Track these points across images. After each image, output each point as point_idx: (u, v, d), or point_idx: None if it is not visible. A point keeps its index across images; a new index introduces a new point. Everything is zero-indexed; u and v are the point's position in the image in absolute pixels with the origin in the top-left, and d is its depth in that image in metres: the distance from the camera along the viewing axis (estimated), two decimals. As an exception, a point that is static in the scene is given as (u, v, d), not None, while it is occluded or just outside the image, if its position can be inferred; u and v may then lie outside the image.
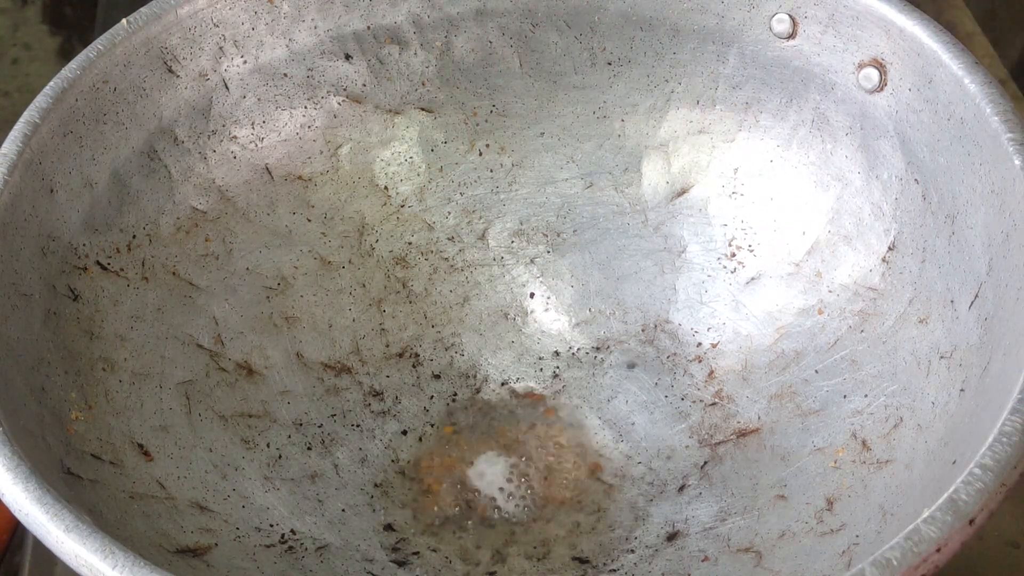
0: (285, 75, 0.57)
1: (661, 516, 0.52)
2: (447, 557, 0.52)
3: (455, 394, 0.58)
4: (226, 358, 0.54)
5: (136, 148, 0.53)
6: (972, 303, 0.46)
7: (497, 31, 0.58)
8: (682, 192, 0.58)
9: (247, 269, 0.56)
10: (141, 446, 0.49)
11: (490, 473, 0.55)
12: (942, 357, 0.47)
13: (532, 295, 0.60)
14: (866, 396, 0.50)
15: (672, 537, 0.51)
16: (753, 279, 0.56)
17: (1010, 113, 0.46)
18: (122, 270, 0.52)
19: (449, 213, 0.60)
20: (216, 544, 0.48)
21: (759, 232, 0.56)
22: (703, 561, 0.49)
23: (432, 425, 0.57)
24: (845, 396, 0.51)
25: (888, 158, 0.52)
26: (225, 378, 0.54)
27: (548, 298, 0.59)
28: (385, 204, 0.59)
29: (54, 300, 0.49)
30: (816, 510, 0.48)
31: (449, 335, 0.59)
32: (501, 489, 0.54)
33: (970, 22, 0.75)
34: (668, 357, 0.57)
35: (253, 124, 0.57)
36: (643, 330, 0.58)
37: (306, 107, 0.58)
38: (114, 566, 0.37)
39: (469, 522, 0.53)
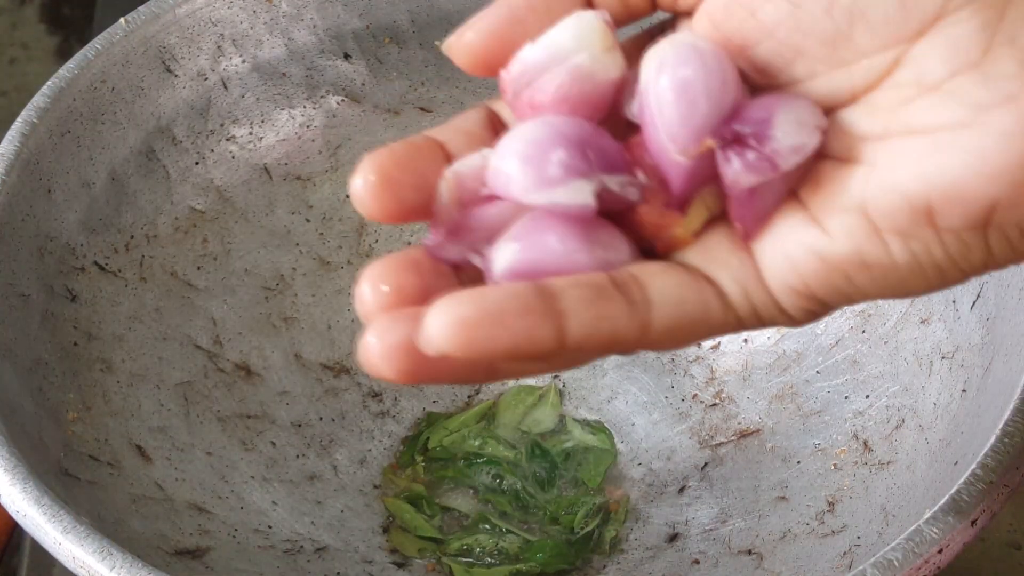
0: (284, 74, 0.57)
1: (661, 517, 0.52)
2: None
3: (455, 395, 0.57)
4: (224, 359, 0.54)
5: (134, 148, 0.53)
6: (974, 303, 0.46)
7: (497, 30, 0.58)
8: (682, 192, 0.58)
9: (245, 269, 0.56)
10: (139, 447, 0.49)
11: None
12: (944, 357, 0.47)
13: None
14: (867, 397, 0.50)
15: (672, 539, 0.51)
16: (754, 279, 0.56)
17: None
18: (120, 270, 0.52)
19: (448, 213, 0.60)
20: (214, 545, 0.48)
21: (760, 232, 0.56)
22: (703, 563, 0.49)
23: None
24: (846, 397, 0.51)
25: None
26: (223, 379, 0.54)
27: (548, 298, 0.59)
28: (384, 204, 0.59)
29: (52, 301, 0.49)
30: (817, 511, 0.48)
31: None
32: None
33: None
34: (668, 358, 0.57)
35: (252, 124, 0.57)
36: (643, 330, 0.58)
37: (305, 106, 0.58)
38: (112, 567, 0.37)
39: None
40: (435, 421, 0.56)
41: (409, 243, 0.59)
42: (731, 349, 0.56)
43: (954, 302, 0.48)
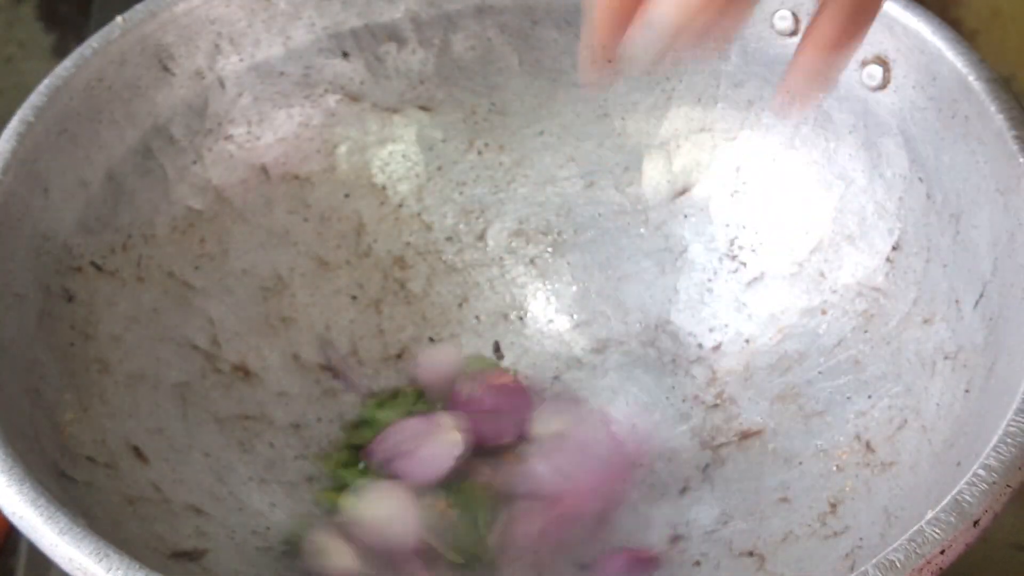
0: (282, 73, 0.57)
1: (662, 519, 0.52)
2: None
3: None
4: (222, 359, 0.54)
5: (131, 147, 0.53)
6: (977, 303, 0.46)
7: (496, 28, 0.57)
8: (683, 191, 0.58)
9: (243, 270, 0.56)
10: (136, 448, 0.49)
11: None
12: (947, 358, 0.47)
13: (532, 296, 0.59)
14: (870, 397, 0.50)
15: (674, 540, 0.51)
16: (755, 279, 0.56)
17: (1015, 111, 0.46)
18: (117, 270, 0.52)
19: (448, 213, 0.59)
20: (212, 547, 0.48)
21: (761, 232, 0.56)
22: (705, 565, 0.49)
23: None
24: (849, 397, 0.51)
25: (892, 156, 0.51)
26: (221, 380, 0.53)
27: (548, 299, 0.59)
28: (383, 204, 0.59)
29: (48, 301, 0.48)
30: (819, 513, 0.48)
31: (448, 336, 0.58)
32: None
33: (974, 19, 0.75)
34: (669, 358, 0.57)
35: (249, 123, 0.56)
36: (644, 331, 0.57)
37: (303, 106, 0.57)
38: (109, 569, 0.37)
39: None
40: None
41: (408, 243, 0.59)
42: (732, 350, 0.55)
43: (957, 302, 0.47)
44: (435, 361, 0.57)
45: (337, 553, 0.49)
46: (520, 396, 0.54)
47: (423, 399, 0.56)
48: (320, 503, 0.52)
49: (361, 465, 0.54)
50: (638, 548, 0.50)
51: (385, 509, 0.51)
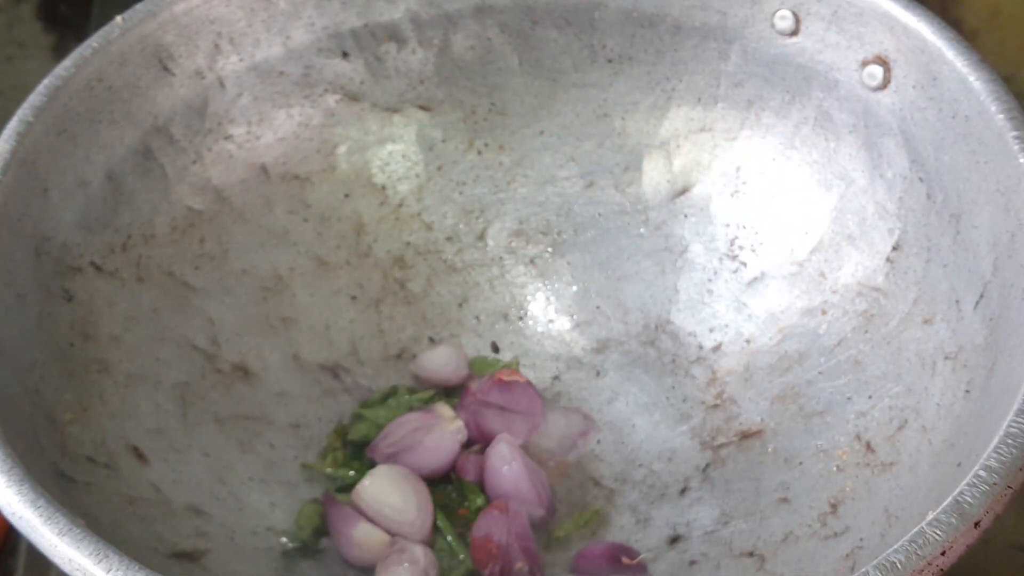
0: (282, 73, 0.57)
1: (662, 519, 0.52)
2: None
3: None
4: (222, 359, 0.54)
5: (131, 147, 0.53)
6: (977, 303, 0.46)
7: (496, 28, 0.57)
8: (683, 191, 0.58)
9: (243, 270, 0.56)
10: (136, 449, 0.49)
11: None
12: (947, 358, 0.47)
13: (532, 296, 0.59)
14: (870, 397, 0.50)
15: (674, 541, 0.51)
16: (755, 279, 0.56)
17: (1015, 111, 0.46)
18: (117, 271, 0.52)
19: (447, 213, 0.59)
20: (212, 548, 0.48)
21: (761, 232, 0.56)
22: (705, 565, 0.49)
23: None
24: (849, 398, 0.51)
25: (892, 156, 0.51)
26: (221, 380, 0.53)
27: (548, 299, 0.59)
28: (383, 204, 0.59)
29: (48, 301, 0.48)
30: (819, 513, 0.48)
31: (448, 336, 0.58)
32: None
33: (974, 19, 0.75)
34: (669, 358, 0.57)
35: (249, 123, 0.56)
36: (644, 331, 0.57)
37: (303, 105, 0.57)
38: (108, 570, 0.37)
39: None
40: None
41: (408, 243, 0.59)
42: (732, 350, 0.55)
43: (957, 302, 0.47)
44: (443, 360, 0.57)
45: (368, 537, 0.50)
46: (530, 397, 0.54)
47: (418, 395, 0.56)
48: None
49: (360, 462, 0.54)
50: (626, 548, 0.50)
51: (399, 492, 0.51)
